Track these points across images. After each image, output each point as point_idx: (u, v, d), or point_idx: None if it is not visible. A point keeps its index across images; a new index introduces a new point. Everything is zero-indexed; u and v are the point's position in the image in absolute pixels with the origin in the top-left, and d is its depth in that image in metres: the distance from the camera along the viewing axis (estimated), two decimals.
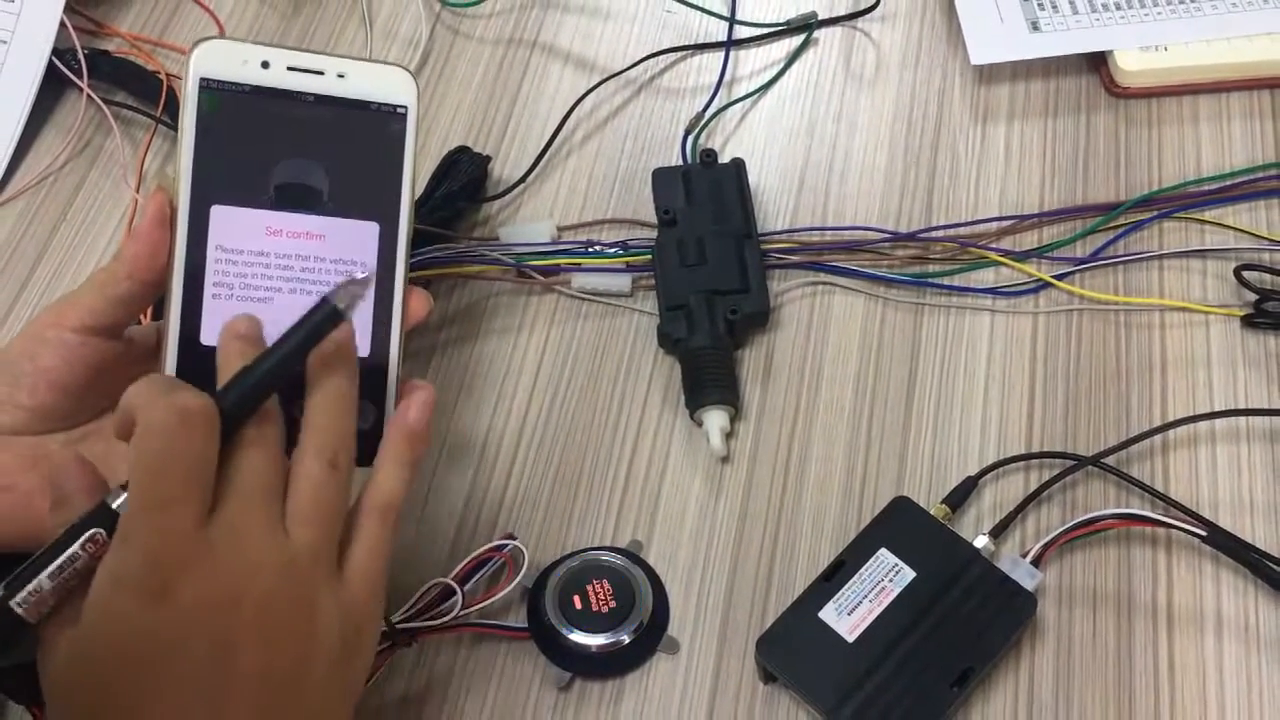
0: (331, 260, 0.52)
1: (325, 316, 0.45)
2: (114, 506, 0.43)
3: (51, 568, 0.43)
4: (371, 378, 0.53)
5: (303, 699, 0.44)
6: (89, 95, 0.72)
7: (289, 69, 0.52)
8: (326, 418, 0.46)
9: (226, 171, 0.51)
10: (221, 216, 0.50)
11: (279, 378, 0.45)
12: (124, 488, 0.43)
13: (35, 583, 0.43)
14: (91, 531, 0.43)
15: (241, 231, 0.50)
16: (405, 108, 0.53)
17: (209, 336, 0.50)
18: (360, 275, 0.46)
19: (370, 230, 0.52)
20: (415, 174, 0.54)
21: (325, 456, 0.45)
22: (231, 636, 0.42)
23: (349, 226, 0.52)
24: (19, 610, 0.43)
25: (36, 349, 0.50)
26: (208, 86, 0.50)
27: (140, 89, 0.73)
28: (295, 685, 0.44)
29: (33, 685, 0.53)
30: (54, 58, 0.73)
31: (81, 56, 0.73)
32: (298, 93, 0.52)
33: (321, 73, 0.52)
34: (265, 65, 0.51)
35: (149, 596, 0.41)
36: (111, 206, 0.71)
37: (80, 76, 0.72)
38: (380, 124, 0.53)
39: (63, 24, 0.73)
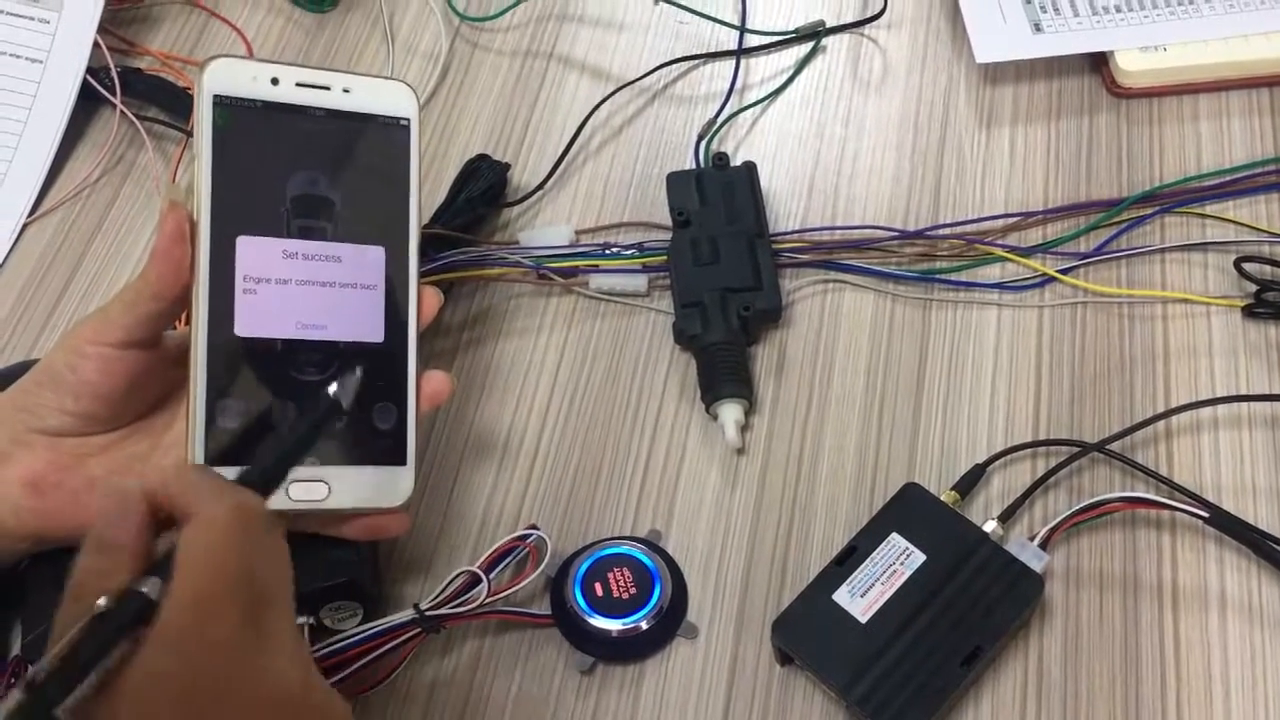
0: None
1: (330, 409, 0.50)
2: (154, 598, 0.41)
3: (94, 676, 0.40)
4: (391, 378, 0.55)
5: None
6: (122, 111, 0.75)
7: (297, 85, 0.54)
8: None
9: (242, 184, 0.53)
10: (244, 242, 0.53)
11: (289, 468, 0.48)
12: (155, 575, 0.42)
13: (81, 689, 0.39)
14: (137, 632, 0.41)
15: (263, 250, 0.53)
16: (408, 119, 0.56)
17: (241, 330, 0.52)
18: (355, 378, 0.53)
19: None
20: (421, 181, 0.56)
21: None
22: None
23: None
24: (61, 717, 0.39)
25: (78, 362, 0.52)
26: (221, 103, 0.52)
27: (171, 104, 0.76)
28: None
29: None
30: (88, 75, 0.75)
31: (115, 74, 0.75)
32: (306, 107, 0.54)
33: (328, 88, 0.55)
34: (275, 81, 0.54)
35: (184, 704, 0.41)
36: (145, 219, 0.73)
37: (113, 93, 0.75)
38: (385, 135, 0.56)
39: (96, 43, 0.76)
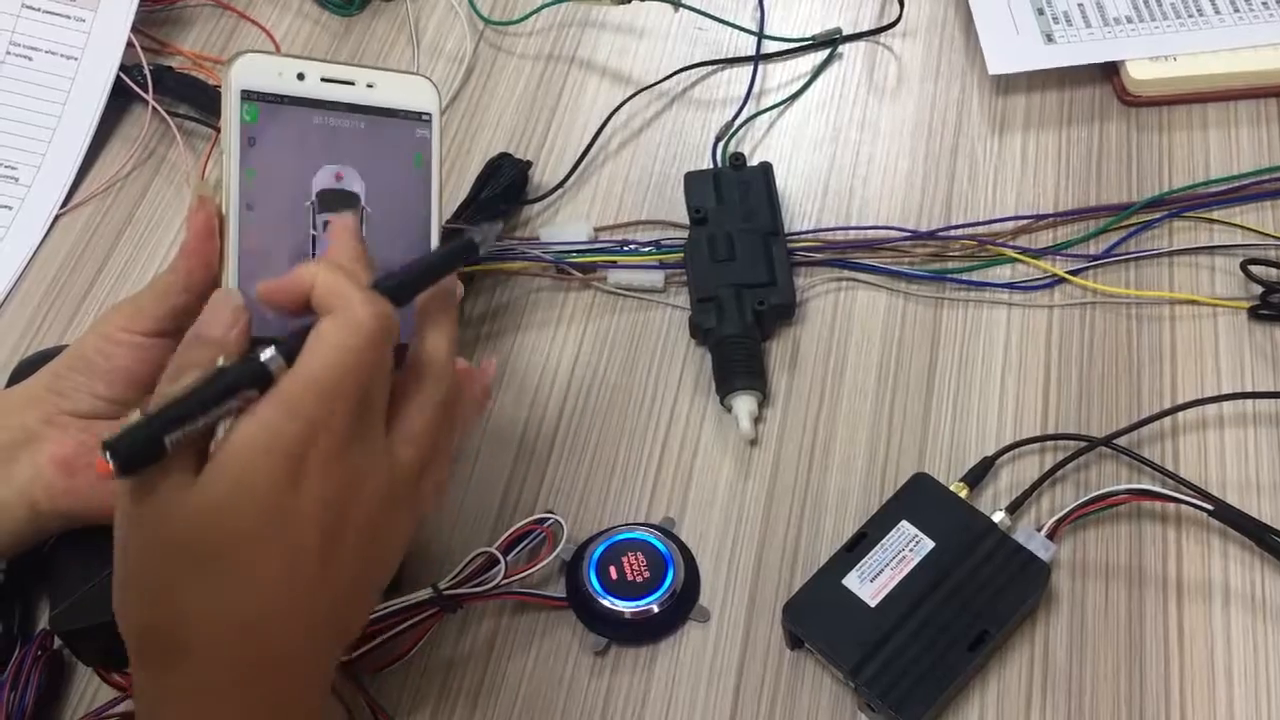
0: None
1: (464, 247, 0.51)
2: (271, 370, 0.44)
3: (207, 418, 0.43)
4: None
5: (368, 597, 0.50)
6: (154, 107, 0.77)
7: (322, 80, 0.55)
8: (446, 356, 0.50)
9: (271, 178, 0.53)
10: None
11: (415, 293, 0.50)
12: (276, 348, 0.45)
13: (190, 426, 0.43)
14: (250, 392, 0.44)
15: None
16: (430, 114, 0.57)
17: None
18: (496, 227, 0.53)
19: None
20: (443, 176, 0.57)
21: (440, 394, 0.49)
22: (337, 536, 0.46)
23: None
24: (167, 445, 0.43)
25: (110, 348, 0.54)
26: (248, 97, 0.53)
27: (202, 102, 0.78)
28: (368, 588, 0.50)
29: (100, 647, 0.57)
30: (121, 73, 0.77)
31: (147, 72, 0.77)
32: (331, 102, 0.55)
33: (352, 83, 0.55)
34: (301, 77, 0.54)
35: (289, 477, 0.44)
36: (174, 213, 0.75)
37: (145, 90, 0.77)
38: (408, 130, 0.56)
39: (129, 43, 0.78)
